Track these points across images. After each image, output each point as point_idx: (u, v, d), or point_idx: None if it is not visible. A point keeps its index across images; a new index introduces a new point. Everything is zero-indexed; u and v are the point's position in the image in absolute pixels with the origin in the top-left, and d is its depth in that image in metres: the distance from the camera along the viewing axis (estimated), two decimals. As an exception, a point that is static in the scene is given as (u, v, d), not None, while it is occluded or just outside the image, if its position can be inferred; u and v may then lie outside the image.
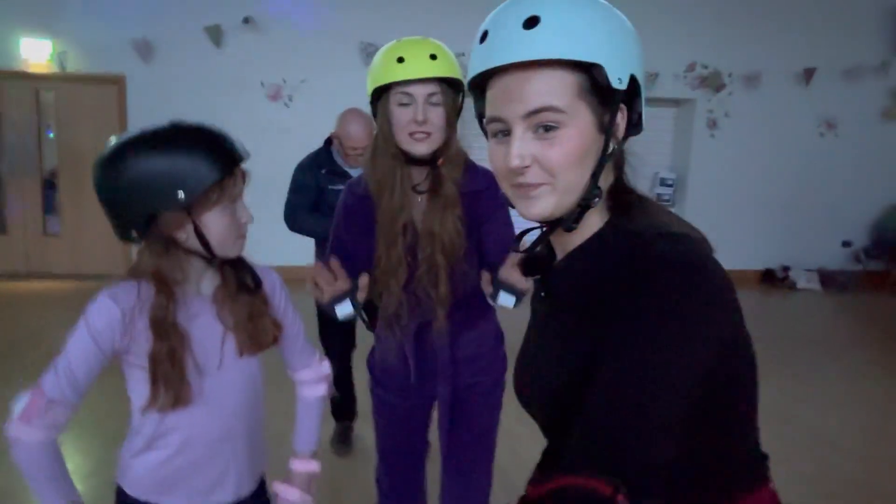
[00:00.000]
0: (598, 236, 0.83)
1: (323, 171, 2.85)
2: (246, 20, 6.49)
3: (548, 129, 0.77)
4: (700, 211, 7.51)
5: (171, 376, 1.18)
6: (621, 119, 0.80)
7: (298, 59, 6.64)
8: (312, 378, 1.51)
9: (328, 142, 2.96)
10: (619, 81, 0.76)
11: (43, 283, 6.38)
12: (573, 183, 0.79)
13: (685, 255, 0.76)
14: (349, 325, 2.97)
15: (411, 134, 1.49)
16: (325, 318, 3.02)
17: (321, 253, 2.92)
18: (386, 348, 1.71)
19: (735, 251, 7.63)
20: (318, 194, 2.85)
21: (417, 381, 1.70)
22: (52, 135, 6.74)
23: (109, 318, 1.17)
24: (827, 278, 7.59)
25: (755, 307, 6.71)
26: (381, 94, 1.52)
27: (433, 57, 1.47)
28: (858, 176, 7.78)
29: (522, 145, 0.78)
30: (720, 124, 7.55)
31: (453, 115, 1.53)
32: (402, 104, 1.49)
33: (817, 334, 5.68)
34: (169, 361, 1.18)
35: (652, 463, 0.70)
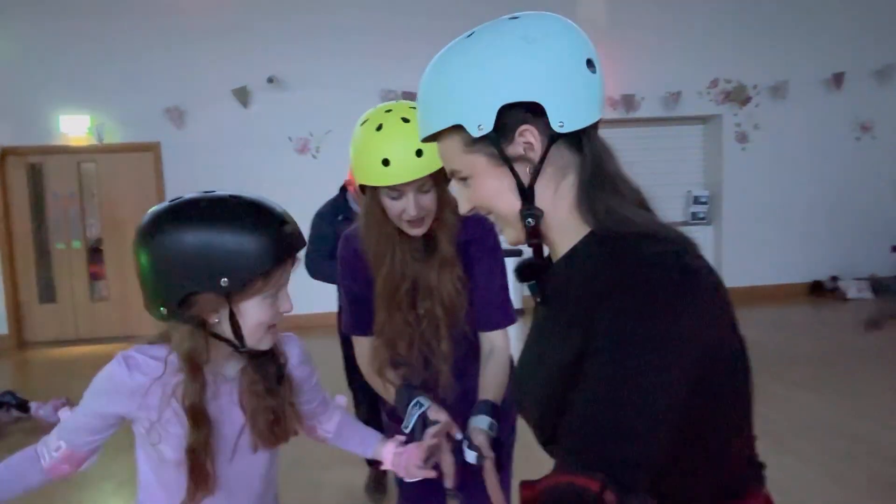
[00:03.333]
0: (583, 241, 0.86)
1: (340, 218, 2.89)
2: (270, 79, 6.72)
3: (464, 179, 0.90)
4: (738, 226, 7.35)
5: (205, 467, 1.12)
6: (530, 140, 0.83)
7: (322, 111, 6.82)
8: (334, 409, 1.45)
9: (343, 188, 3.01)
10: (478, 129, 0.83)
11: (92, 348, 6.57)
12: (506, 211, 0.88)
13: (671, 256, 0.78)
14: (378, 368, 2.97)
15: (407, 221, 1.49)
16: (353, 364, 3.03)
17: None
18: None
19: (780, 265, 7.43)
20: (336, 241, 2.88)
21: None
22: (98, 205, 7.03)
23: (116, 384, 1.12)
24: (879, 286, 7.28)
25: (805, 321, 6.48)
26: None
27: (419, 153, 1.40)
28: (902, 177, 7.52)
29: (459, 196, 0.92)
30: (751, 137, 7.43)
31: (444, 188, 1.50)
32: (392, 198, 1.47)
33: (872, 345, 5.42)
34: (204, 451, 1.12)
35: (639, 459, 0.71)
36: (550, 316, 0.90)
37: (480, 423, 1.47)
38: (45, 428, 1.72)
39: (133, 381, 1.11)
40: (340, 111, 6.77)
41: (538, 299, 0.93)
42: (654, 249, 0.79)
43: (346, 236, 1.69)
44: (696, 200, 7.55)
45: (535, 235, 0.87)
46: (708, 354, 0.75)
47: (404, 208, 1.46)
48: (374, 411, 3.06)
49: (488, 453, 1.42)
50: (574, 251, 0.86)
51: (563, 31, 0.84)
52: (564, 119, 0.82)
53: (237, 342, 1.11)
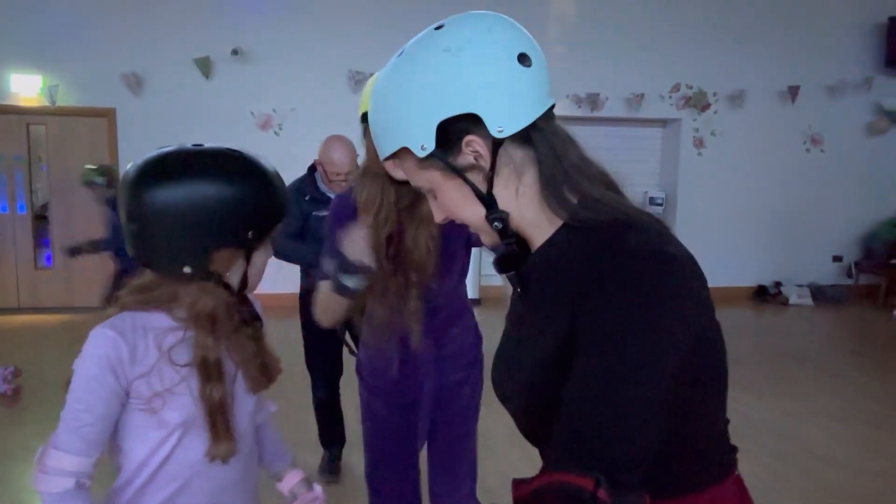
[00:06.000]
0: (559, 233, 0.85)
1: (307, 198, 2.86)
2: (235, 51, 6.56)
3: (431, 192, 0.90)
4: (690, 229, 7.50)
5: (227, 424, 1.11)
6: (476, 150, 0.82)
7: (287, 88, 6.70)
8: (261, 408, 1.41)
9: (312, 168, 2.97)
10: (422, 150, 0.83)
11: (35, 317, 6.35)
12: (473, 219, 0.88)
13: (654, 246, 0.78)
14: (336, 351, 2.96)
15: None
16: (313, 344, 3.01)
17: (307, 279, 2.92)
18: (372, 351, 1.75)
19: (726, 268, 7.65)
20: (302, 221, 2.85)
21: (403, 381, 1.73)
22: (45, 168, 6.76)
23: (113, 351, 1.07)
24: (819, 293, 7.60)
25: (748, 324, 6.71)
26: None
27: None
28: (846, 191, 7.84)
29: (433, 208, 0.93)
30: (707, 143, 7.62)
31: None
32: None
33: (810, 349, 5.68)
34: (220, 408, 1.11)
35: (631, 456, 0.72)
36: (530, 308, 0.89)
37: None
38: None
39: (121, 344, 1.07)
40: (306, 89, 6.68)
41: (519, 290, 0.93)
42: (636, 239, 0.78)
43: (341, 195, 1.72)
44: (652, 201, 7.71)
45: (507, 235, 0.87)
46: (695, 344, 0.77)
47: None
48: (330, 393, 3.07)
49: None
50: (550, 243, 0.86)
51: (485, 32, 0.81)
52: (503, 124, 0.80)
53: (239, 290, 1.14)
